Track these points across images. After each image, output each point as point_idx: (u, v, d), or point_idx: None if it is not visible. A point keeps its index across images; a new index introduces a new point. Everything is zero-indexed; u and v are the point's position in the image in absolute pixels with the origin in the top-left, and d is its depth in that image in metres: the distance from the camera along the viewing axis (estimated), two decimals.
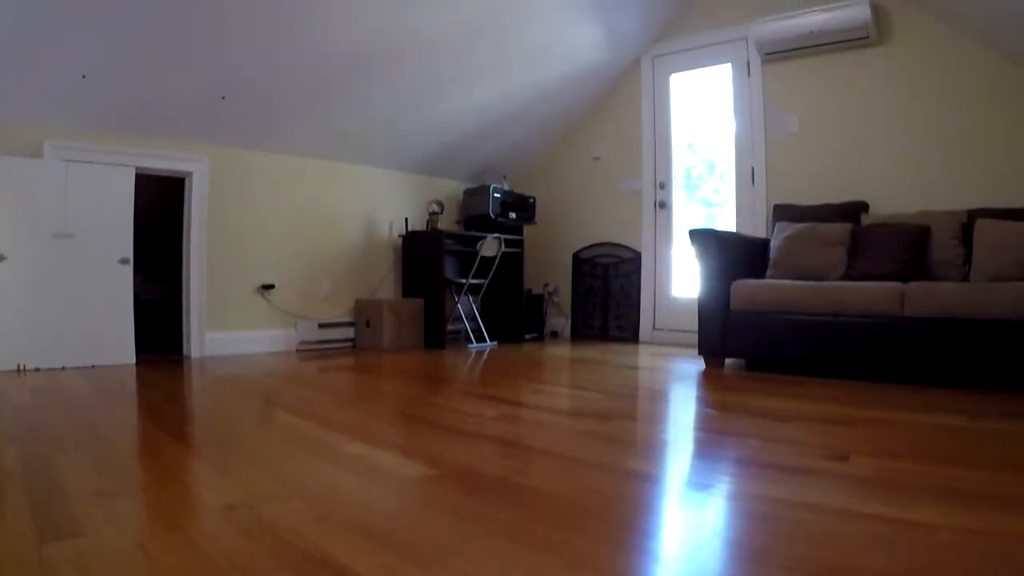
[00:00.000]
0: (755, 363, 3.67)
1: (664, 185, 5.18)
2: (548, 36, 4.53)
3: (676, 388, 3.04)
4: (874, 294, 3.31)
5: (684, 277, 5.10)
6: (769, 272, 4.06)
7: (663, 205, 5.18)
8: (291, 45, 3.63)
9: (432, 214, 4.84)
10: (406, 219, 5.03)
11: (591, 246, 5.57)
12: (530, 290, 5.31)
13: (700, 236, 3.84)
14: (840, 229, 3.95)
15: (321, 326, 4.58)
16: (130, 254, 3.84)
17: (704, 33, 5.00)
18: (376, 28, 3.79)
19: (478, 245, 4.59)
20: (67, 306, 3.63)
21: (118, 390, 2.88)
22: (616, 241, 5.42)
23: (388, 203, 5.07)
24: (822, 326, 3.41)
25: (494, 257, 4.77)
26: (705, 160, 5.23)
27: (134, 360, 3.81)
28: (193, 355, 4.12)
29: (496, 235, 4.72)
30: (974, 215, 3.73)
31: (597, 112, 5.65)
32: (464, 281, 4.67)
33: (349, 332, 4.71)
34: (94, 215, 3.74)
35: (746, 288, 3.70)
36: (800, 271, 3.93)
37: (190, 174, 4.16)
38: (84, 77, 3.34)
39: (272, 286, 4.38)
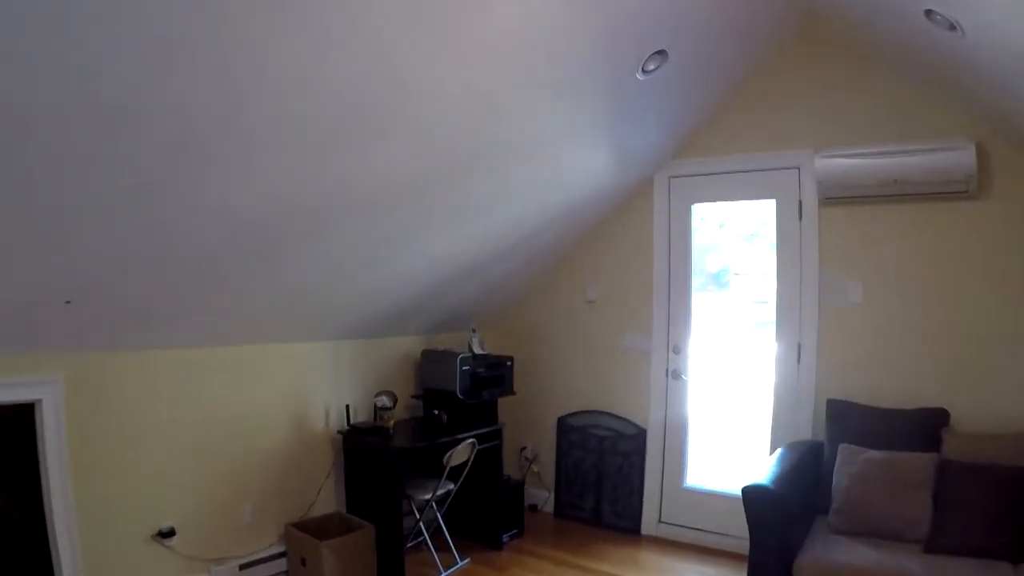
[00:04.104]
0: None
1: (679, 350, 4.27)
2: (543, 172, 3.65)
3: None
4: None
5: (700, 464, 4.30)
6: (832, 518, 3.32)
7: (676, 376, 4.28)
8: (167, 222, 2.53)
9: (381, 409, 3.83)
10: (347, 407, 3.97)
11: (583, 412, 4.70)
12: (509, 478, 4.37)
13: (756, 500, 3.05)
14: (923, 465, 3.24)
15: (243, 567, 3.59)
16: None
17: (741, 155, 4.07)
18: (312, 189, 2.80)
19: (445, 457, 3.64)
20: None
21: None
22: (615, 412, 4.55)
23: (323, 383, 4.01)
24: None
25: (466, 462, 3.82)
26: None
27: None
28: None
29: (469, 440, 3.77)
30: None
31: (592, 243, 4.74)
32: (428, 497, 3.75)
33: (281, 564, 3.73)
34: None
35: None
36: (874, 524, 3.21)
37: (39, 401, 3.03)
38: None
39: (172, 532, 3.33)
